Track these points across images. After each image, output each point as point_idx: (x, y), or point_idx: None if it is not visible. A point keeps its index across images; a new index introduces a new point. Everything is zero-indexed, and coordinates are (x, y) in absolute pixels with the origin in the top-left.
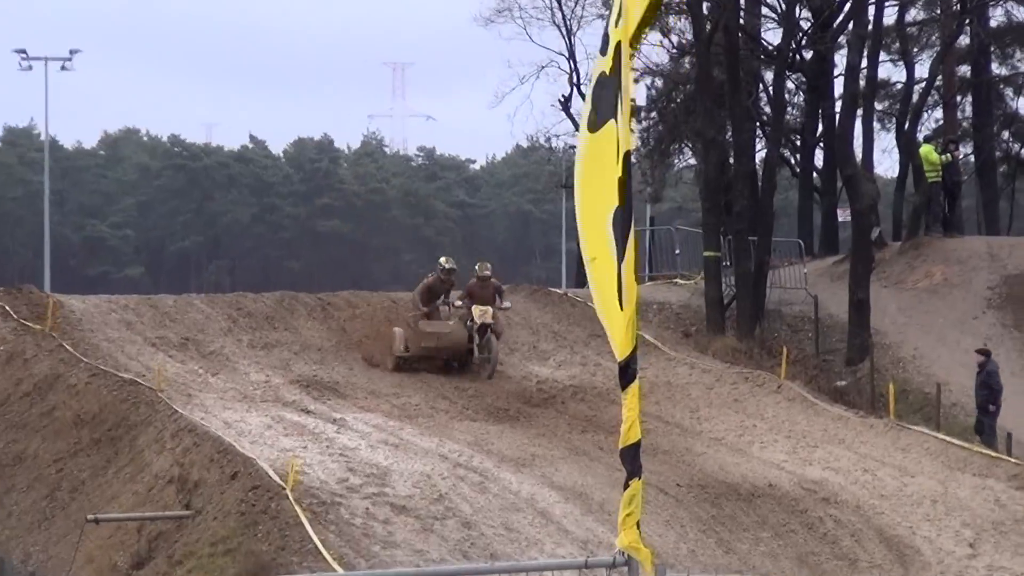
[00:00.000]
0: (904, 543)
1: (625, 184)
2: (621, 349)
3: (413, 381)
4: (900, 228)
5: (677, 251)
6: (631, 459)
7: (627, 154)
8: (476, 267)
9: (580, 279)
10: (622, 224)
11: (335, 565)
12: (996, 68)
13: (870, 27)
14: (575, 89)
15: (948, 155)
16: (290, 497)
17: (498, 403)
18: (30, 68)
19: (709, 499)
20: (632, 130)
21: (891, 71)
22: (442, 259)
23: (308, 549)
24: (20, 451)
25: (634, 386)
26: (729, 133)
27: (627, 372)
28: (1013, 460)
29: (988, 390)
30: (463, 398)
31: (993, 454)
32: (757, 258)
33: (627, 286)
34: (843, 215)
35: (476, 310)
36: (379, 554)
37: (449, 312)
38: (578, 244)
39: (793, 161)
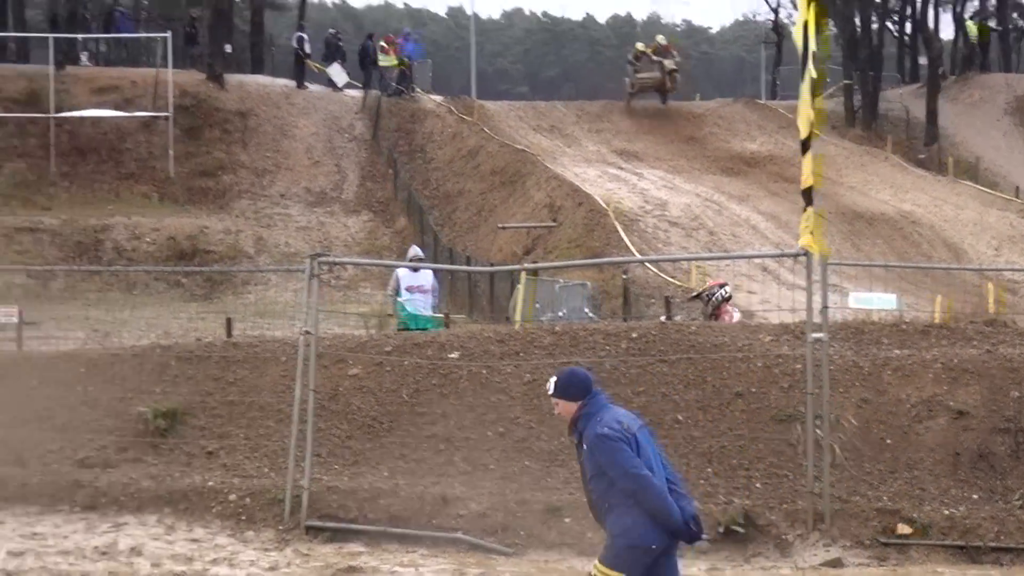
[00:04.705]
0: (958, 247)
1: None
2: (803, 132)
3: (683, 151)
4: (955, 68)
5: (827, 80)
6: (807, 196)
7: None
8: None
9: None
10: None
11: (634, 251)
12: None
13: None
14: None
15: (977, 26)
16: (611, 216)
17: (728, 164)
18: None
19: (847, 221)
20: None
21: None
22: None
23: (621, 245)
24: (460, 188)
25: (808, 155)
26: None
27: (805, 146)
28: (1019, 200)
29: None
30: (707, 160)
31: (1009, 197)
32: (873, 85)
33: (806, 104)
34: (922, 59)
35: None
36: (661, 248)
37: None
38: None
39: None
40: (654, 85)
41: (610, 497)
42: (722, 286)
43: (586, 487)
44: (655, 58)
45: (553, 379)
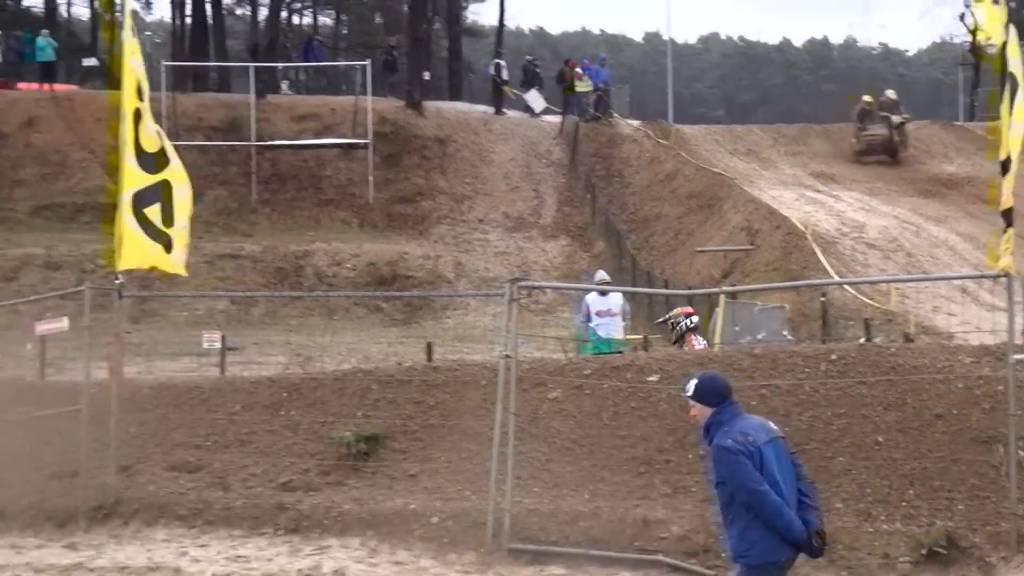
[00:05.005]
0: None
1: None
2: (1003, 153)
3: (880, 173)
4: None
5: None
6: (1006, 216)
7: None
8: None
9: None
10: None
11: (832, 273)
12: None
13: None
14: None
15: None
16: (809, 238)
17: (925, 186)
18: None
19: None
20: None
21: None
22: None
23: (819, 267)
24: (657, 212)
25: (1009, 176)
26: None
27: (1005, 166)
28: None
29: None
30: (904, 182)
31: None
32: None
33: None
34: None
35: None
36: (859, 270)
37: None
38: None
39: None
40: (881, 143)
41: (731, 509)
42: (689, 315)
43: (712, 493)
44: (882, 113)
45: (693, 381)
